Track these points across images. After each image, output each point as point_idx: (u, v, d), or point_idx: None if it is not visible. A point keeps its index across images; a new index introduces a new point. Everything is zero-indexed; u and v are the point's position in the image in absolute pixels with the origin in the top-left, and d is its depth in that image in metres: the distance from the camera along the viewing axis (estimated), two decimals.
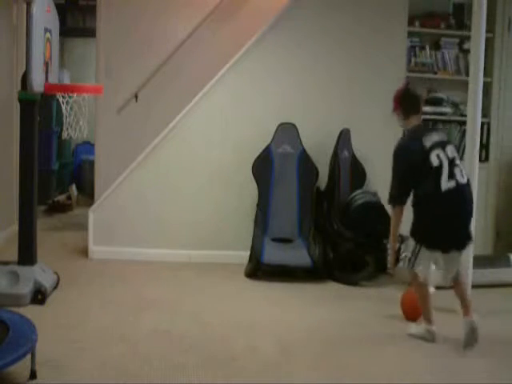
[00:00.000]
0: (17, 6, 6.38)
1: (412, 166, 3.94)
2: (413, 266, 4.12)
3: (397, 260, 5.45)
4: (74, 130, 4.85)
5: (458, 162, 3.96)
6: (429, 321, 4.14)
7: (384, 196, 5.51)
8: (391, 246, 4.16)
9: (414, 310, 4.35)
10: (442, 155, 3.90)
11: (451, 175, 3.88)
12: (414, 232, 4.10)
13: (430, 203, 3.95)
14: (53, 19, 4.80)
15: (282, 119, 5.69)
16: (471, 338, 3.89)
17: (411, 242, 4.12)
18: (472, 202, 4.06)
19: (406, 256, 4.17)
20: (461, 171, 3.94)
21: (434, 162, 3.88)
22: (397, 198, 4.07)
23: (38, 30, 4.49)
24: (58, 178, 8.77)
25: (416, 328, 4.20)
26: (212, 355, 3.72)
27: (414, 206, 4.03)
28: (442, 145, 3.95)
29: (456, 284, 4.18)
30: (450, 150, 3.96)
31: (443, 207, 3.91)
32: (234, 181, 5.78)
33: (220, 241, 5.79)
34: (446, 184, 3.87)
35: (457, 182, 3.89)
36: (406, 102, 4.15)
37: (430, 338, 4.09)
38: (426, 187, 3.91)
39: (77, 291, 4.78)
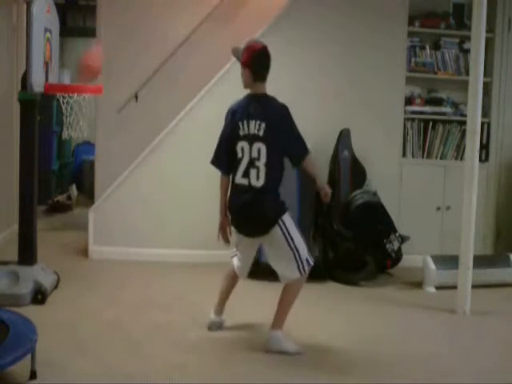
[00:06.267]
0: (17, 6, 6.38)
1: None
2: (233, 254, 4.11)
3: (396, 260, 5.49)
4: (75, 129, 4.85)
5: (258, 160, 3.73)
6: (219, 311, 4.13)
7: (384, 195, 5.56)
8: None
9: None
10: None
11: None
12: None
13: None
14: (53, 19, 4.80)
15: None
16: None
17: None
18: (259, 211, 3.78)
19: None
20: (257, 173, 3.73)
21: None
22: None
23: (38, 30, 4.49)
24: (58, 178, 8.78)
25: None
26: (212, 355, 3.72)
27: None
28: None
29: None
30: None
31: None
32: None
33: (220, 241, 5.78)
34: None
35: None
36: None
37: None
38: None
39: (77, 291, 4.78)
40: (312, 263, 3.83)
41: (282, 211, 3.80)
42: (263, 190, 3.75)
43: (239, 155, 3.79)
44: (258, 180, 3.73)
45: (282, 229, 3.75)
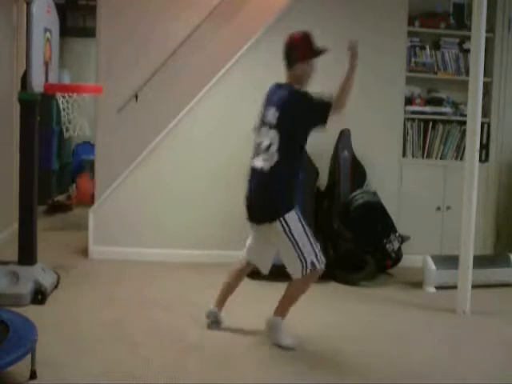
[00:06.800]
0: (17, 6, 6.38)
1: None
2: None
3: (397, 260, 5.49)
4: (74, 129, 4.86)
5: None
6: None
7: (384, 195, 5.56)
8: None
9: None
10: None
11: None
12: None
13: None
14: (53, 19, 4.80)
15: None
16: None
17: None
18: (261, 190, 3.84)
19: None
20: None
21: None
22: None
23: (38, 29, 4.49)
24: (58, 178, 8.77)
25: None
26: (212, 355, 3.72)
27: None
28: None
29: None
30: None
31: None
32: (234, 180, 5.76)
33: (220, 241, 5.79)
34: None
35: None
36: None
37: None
38: None
39: (77, 291, 4.78)
40: (318, 267, 3.80)
41: (285, 208, 3.77)
42: (269, 177, 3.77)
43: (259, 140, 3.85)
44: (268, 166, 3.77)
45: (284, 228, 3.74)
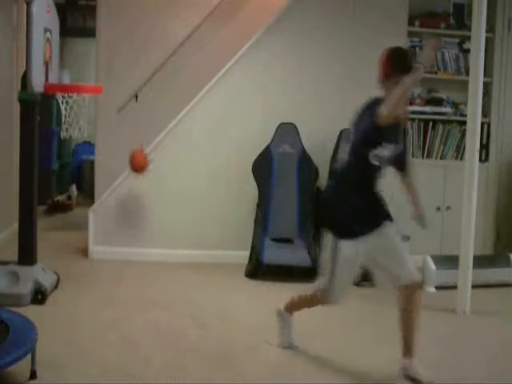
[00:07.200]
0: (17, 6, 6.38)
1: None
2: None
3: None
4: (74, 129, 4.85)
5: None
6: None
7: (384, 195, 5.55)
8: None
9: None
10: None
11: None
12: None
13: None
14: (53, 19, 4.80)
15: (282, 119, 5.70)
16: None
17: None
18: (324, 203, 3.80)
19: None
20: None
21: None
22: None
23: (38, 29, 4.49)
24: (58, 178, 8.77)
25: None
26: (212, 355, 3.72)
27: None
28: None
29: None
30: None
31: None
32: (234, 181, 5.78)
33: (220, 241, 5.79)
34: None
35: None
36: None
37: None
38: None
39: (77, 291, 4.78)
40: (321, 298, 3.64)
41: (337, 229, 3.55)
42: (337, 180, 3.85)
43: None
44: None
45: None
